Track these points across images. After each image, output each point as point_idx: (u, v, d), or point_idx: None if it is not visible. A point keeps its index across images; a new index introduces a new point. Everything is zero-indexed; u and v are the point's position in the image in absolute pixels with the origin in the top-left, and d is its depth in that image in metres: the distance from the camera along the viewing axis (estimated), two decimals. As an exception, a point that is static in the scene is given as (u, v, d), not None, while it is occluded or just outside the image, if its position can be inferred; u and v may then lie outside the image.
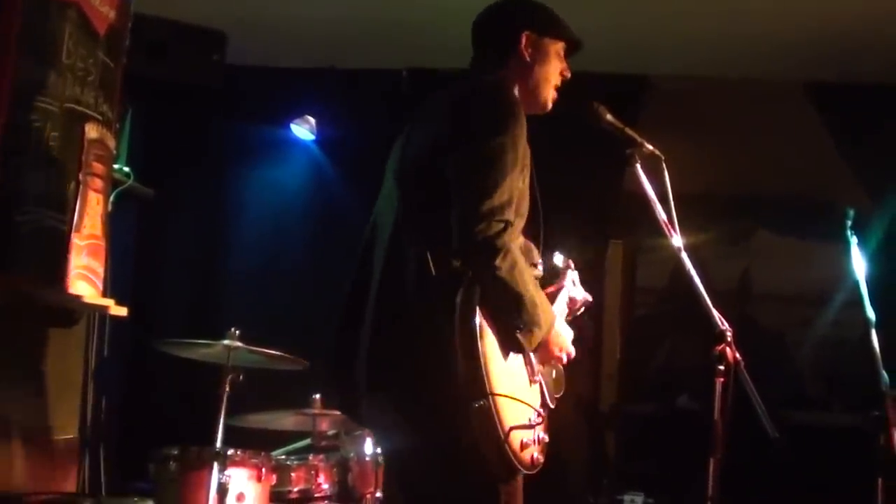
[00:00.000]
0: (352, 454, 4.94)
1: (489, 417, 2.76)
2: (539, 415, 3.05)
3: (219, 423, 4.71)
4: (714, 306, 3.21)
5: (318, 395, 4.99)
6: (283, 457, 5.02)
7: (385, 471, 4.80)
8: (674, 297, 7.74)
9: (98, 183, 4.53)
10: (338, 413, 4.98)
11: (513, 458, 2.83)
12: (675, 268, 3.39)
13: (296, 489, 4.86)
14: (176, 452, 4.65)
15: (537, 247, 3.36)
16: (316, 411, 5.00)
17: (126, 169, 5.33)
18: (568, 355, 3.19)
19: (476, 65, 3.39)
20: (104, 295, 4.67)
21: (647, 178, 3.41)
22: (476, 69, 3.37)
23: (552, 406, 3.20)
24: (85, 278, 4.41)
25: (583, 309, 3.61)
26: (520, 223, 3.07)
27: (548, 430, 3.11)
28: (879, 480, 3.99)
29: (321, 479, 4.89)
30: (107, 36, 4.51)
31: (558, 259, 3.56)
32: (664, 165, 3.42)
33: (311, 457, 4.96)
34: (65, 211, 4.24)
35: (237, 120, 7.15)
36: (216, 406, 4.78)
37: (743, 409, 3.17)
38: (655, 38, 6.42)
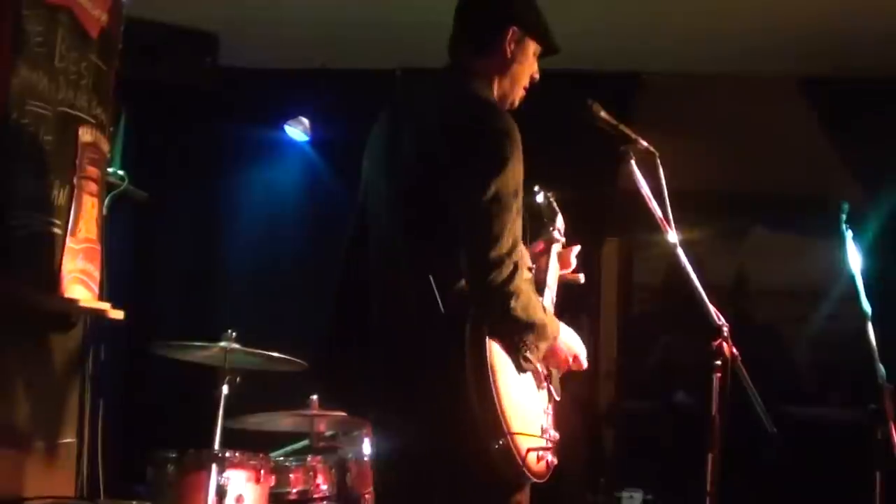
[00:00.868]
0: (350, 455, 4.95)
1: (510, 455, 2.81)
2: (548, 417, 3.10)
3: (216, 425, 4.70)
4: (710, 302, 3.21)
5: (315, 396, 4.99)
6: (282, 458, 5.02)
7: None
8: (670, 293, 7.73)
9: (92, 186, 4.52)
10: (336, 414, 4.98)
11: (532, 476, 2.91)
12: (671, 264, 3.39)
13: (294, 490, 4.86)
14: (174, 455, 4.64)
15: (526, 247, 3.35)
16: (314, 412, 5.00)
17: (121, 172, 5.32)
18: (576, 363, 3.22)
19: (455, 49, 3.33)
20: (100, 298, 4.66)
21: (642, 175, 3.41)
22: (455, 54, 3.32)
23: (558, 398, 3.21)
24: (81, 282, 4.41)
25: (575, 262, 3.65)
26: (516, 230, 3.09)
27: (557, 426, 3.14)
28: (877, 474, 3.99)
29: (319, 479, 4.89)
30: (99, 39, 4.51)
31: (540, 198, 3.55)
32: (659, 162, 3.42)
33: (309, 458, 4.96)
34: (59, 215, 4.23)
35: (231, 122, 7.14)
36: (214, 408, 4.77)
37: (740, 405, 3.17)
38: (649, 36, 6.43)
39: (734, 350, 3.16)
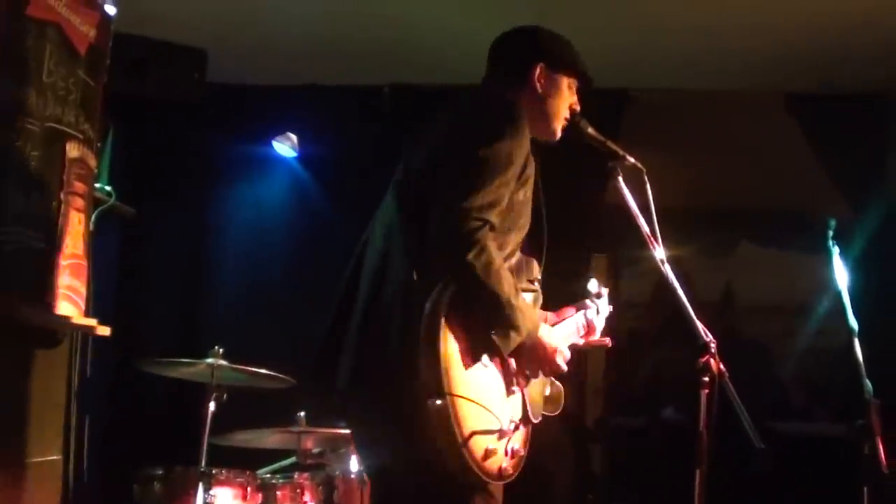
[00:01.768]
0: (337, 472, 4.94)
1: (445, 417, 2.73)
2: (515, 427, 3.01)
3: (203, 443, 4.70)
4: (698, 318, 3.22)
5: (302, 413, 4.98)
6: (269, 475, 5.01)
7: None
8: (658, 309, 7.75)
9: (80, 202, 4.51)
10: (323, 430, 4.97)
11: (473, 465, 2.79)
12: (659, 280, 3.40)
13: (282, 508, 4.85)
14: (160, 472, 4.63)
15: (539, 263, 3.35)
16: (301, 429, 4.99)
17: (108, 188, 5.31)
18: (564, 361, 3.13)
19: (488, 84, 3.40)
20: (87, 315, 4.64)
21: (630, 192, 3.42)
22: (487, 88, 3.39)
23: (535, 421, 3.15)
24: (67, 298, 4.39)
25: (598, 336, 3.62)
26: (517, 236, 3.08)
27: (527, 445, 3.08)
28: (864, 490, 3.99)
29: (307, 497, 4.87)
30: (87, 55, 4.50)
31: (593, 285, 3.56)
32: (646, 178, 3.43)
33: (296, 475, 4.95)
34: (46, 230, 4.22)
35: (219, 137, 7.14)
36: (201, 425, 4.77)
37: (728, 421, 3.17)
38: (637, 53, 6.45)
39: (722, 366, 3.16)
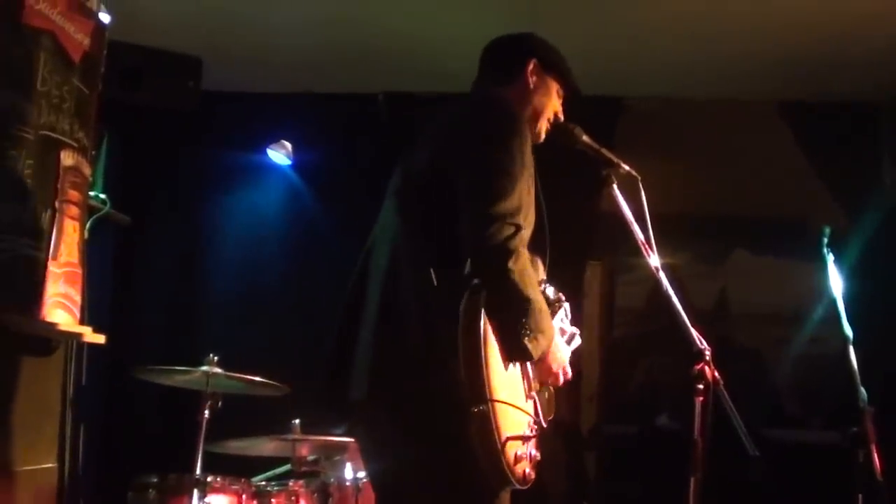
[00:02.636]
0: (332, 479, 4.93)
1: (487, 423, 2.74)
2: (533, 430, 3.03)
3: (198, 450, 4.69)
4: (692, 326, 3.22)
5: (297, 421, 4.97)
6: (264, 483, 5.00)
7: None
8: (652, 317, 7.74)
9: (74, 210, 4.51)
10: (318, 438, 4.96)
11: (507, 469, 2.80)
12: (654, 288, 3.40)
13: (276, 515, 4.84)
14: (155, 480, 4.63)
15: (543, 262, 3.35)
16: (296, 437, 4.98)
17: (102, 196, 5.31)
18: (565, 375, 3.19)
19: (480, 85, 3.44)
20: (82, 322, 4.64)
21: (624, 199, 3.42)
22: (480, 89, 3.42)
23: (544, 426, 3.18)
24: (62, 306, 4.39)
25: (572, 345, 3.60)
26: (527, 233, 3.08)
27: (539, 449, 3.09)
28: (859, 497, 3.99)
29: (302, 504, 4.86)
30: (82, 63, 4.50)
31: (549, 291, 3.56)
32: (641, 186, 3.44)
33: (291, 483, 4.94)
34: (41, 239, 4.21)
35: (213, 145, 7.15)
36: (195, 432, 4.76)
37: (722, 428, 3.18)
38: (630, 61, 6.46)
39: (716, 373, 3.17)
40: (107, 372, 6.27)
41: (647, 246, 3.35)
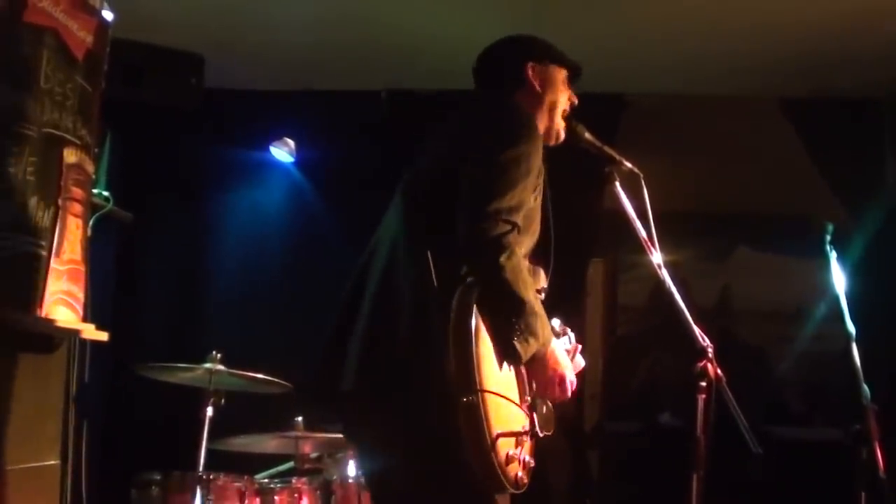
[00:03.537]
0: (335, 477, 4.93)
1: (476, 414, 2.70)
2: (528, 434, 2.99)
3: (201, 447, 4.70)
4: (695, 323, 3.22)
5: (300, 418, 4.98)
6: (266, 480, 5.01)
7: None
8: (655, 314, 7.74)
9: (77, 207, 4.51)
10: (321, 435, 4.97)
11: (497, 468, 2.76)
12: (656, 285, 3.40)
13: (279, 512, 4.85)
14: (158, 477, 4.64)
15: (546, 272, 3.34)
16: (299, 434, 4.99)
17: (105, 193, 5.30)
18: (563, 391, 3.10)
19: (489, 91, 3.44)
20: (84, 320, 4.64)
21: (627, 196, 3.42)
22: (490, 94, 3.42)
23: (540, 435, 3.10)
24: (65, 303, 4.39)
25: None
26: (529, 241, 3.08)
27: (534, 455, 3.06)
28: (862, 495, 3.99)
29: (304, 502, 4.88)
30: (85, 60, 4.50)
31: (555, 323, 3.55)
32: (643, 183, 3.44)
33: (294, 480, 4.95)
34: (43, 236, 4.21)
35: (216, 143, 7.14)
36: (198, 430, 4.77)
37: (725, 425, 3.18)
38: (633, 58, 6.46)
39: (719, 371, 3.17)
40: (110, 369, 6.28)
41: (649, 243, 3.35)
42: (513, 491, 2.91)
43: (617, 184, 3.45)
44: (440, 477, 2.84)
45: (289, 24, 6.21)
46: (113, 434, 6.44)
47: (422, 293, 2.88)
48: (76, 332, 4.64)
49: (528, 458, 2.96)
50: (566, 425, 7.33)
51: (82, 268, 4.58)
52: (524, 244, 3.03)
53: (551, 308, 3.50)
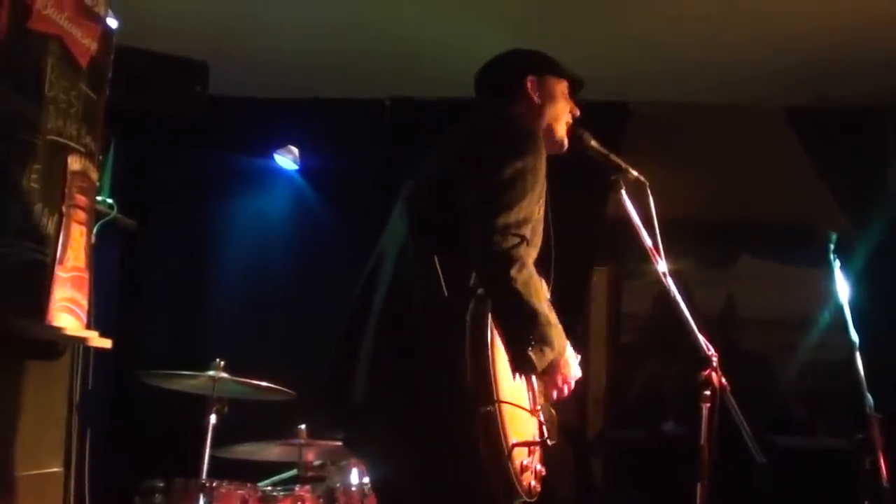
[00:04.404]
0: (338, 484, 4.93)
1: (494, 425, 2.72)
2: (539, 444, 3.01)
3: (204, 455, 4.70)
4: (699, 331, 3.22)
5: (303, 426, 4.98)
6: (270, 488, 5.01)
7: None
8: (659, 322, 7.75)
9: (81, 215, 4.51)
10: (324, 443, 4.97)
11: (514, 476, 2.78)
12: (660, 293, 3.40)
13: (283, 520, 4.84)
14: (161, 485, 4.64)
15: (548, 282, 3.34)
16: (302, 441, 4.98)
17: (109, 200, 5.31)
18: (569, 388, 3.16)
19: (492, 105, 3.45)
20: (88, 327, 4.64)
21: (632, 204, 3.42)
22: (493, 108, 3.42)
23: (550, 443, 3.11)
24: (69, 310, 4.39)
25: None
26: (534, 252, 3.08)
27: (544, 463, 3.08)
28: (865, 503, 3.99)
29: (308, 509, 4.87)
30: (89, 68, 4.50)
31: None
32: (649, 191, 3.44)
33: (297, 488, 4.94)
34: (48, 243, 4.22)
35: (220, 150, 7.15)
36: (202, 437, 4.77)
37: (729, 434, 3.17)
38: (638, 66, 6.46)
39: (723, 379, 3.16)
40: (113, 376, 6.27)
41: (654, 251, 3.35)
42: (526, 500, 2.92)
43: (622, 192, 3.45)
44: (456, 488, 2.85)
45: (293, 32, 6.21)
46: (116, 441, 6.44)
47: (432, 305, 2.89)
48: (83, 340, 4.65)
49: (539, 466, 2.99)
50: (570, 433, 7.34)
51: (86, 275, 4.59)
52: (531, 255, 3.03)
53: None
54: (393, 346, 2.96)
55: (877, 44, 5.96)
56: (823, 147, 6.93)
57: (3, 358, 4.14)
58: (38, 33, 4.11)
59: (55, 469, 4.67)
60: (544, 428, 3.10)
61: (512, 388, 2.86)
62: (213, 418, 4.81)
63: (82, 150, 4.47)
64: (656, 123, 6.92)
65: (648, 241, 3.35)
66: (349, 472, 4.94)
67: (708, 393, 3.12)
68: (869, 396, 4.03)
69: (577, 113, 3.46)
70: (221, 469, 4.87)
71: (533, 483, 2.93)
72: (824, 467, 6.53)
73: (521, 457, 2.82)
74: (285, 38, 6.30)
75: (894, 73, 6.28)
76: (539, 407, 3.09)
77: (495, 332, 2.81)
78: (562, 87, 3.44)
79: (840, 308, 4.18)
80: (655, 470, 6.90)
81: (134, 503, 4.73)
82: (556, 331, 2.95)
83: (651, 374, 8.07)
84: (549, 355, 2.93)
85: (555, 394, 3.15)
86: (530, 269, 2.89)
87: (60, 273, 4.30)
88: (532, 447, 2.93)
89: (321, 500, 4.89)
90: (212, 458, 4.77)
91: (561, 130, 3.41)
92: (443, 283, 2.88)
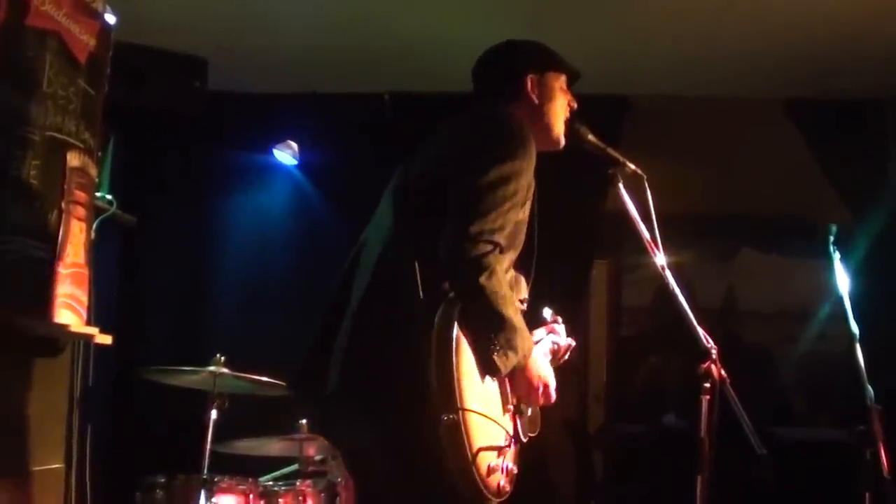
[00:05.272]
0: (339, 479, 4.93)
1: (458, 433, 2.73)
2: (509, 444, 3.00)
3: (205, 450, 4.70)
4: (699, 324, 3.22)
5: (304, 421, 4.98)
6: (271, 483, 5.01)
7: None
8: (659, 316, 7.74)
9: (80, 211, 4.51)
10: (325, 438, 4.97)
11: (479, 481, 2.78)
12: (660, 287, 3.40)
13: (284, 515, 4.85)
14: (163, 480, 4.64)
15: (527, 281, 3.34)
16: (303, 436, 4.99)
17: (108, 197, 5.31)
18: (546, 397, 3.14)
19: (486, 101, 3.42)
20: (88, 323, 4.64)
21: (630, 198, 3.42)
22: (488, 105, 3.40)
23: (524, 440, 3.15)
24: (69, 307, 4.39)
25: (567, 356, 3.55)
26: (513, 255, 3.08)
27: (518, 462, 3.06)
28: (866, 496, 3.99)
29: (309, 504, 4.87)
30: (88, 64, 4.50)
31: (547, 313, 3.55)
32: (647, 185, 3.44)
33: (298, 482, 4.95)
34: (47, 240, 4.22)
35: (219, 146, 7.15)
36: (203, 433, 4.77)
37: (729, 427, 3.18)
38: (636, 59, 6.46)
39: (723, 372, 3.17)
40: (114, 373, 6.27)
41: (653, 245, 3.36)
42: (496, 500, 2.91)
43: (620, 185, 3.45)
44: (423, 485, 2.87)
45: (292, 28, 6.21)
46: (117, 437, 6.45)
47: (407, 303, 2.89)
48: (86, 337, 4.65)
49: (510, 465, 2.97)
50: (570, 426, 7.35)
51: (86, 271, 4.59)
52: (508, 259, 3.04)
53: (556, 308, 3.52)
54: (367, 340, 2.97)
55: (877, 36, 5.97)
56: (823, 139, 6.94)
57: (4, 355, 4.14)
58: (37, 29, 4.11)
59: (56, 465, 4.67)
60: (520, 426, 3.12)
61: (479, 392, 2.86)
62: (213, 414, 4.81)
63: (81, 146, 4.47)
64: (655, 117, 6.92)
65: (647, 235, 3.35)
66: (350, 467, 4.94)
67: (708, 385, 3.13)
68: (869, 388, 4.04)
69: (575, 105, 3.44)
70: (222, 464, 4.87)
71: (503, 483, 2.91)
72: (825, 459, 6.53)
73: (487, 460, 2.82)
74: (284, 34, 6.30)
75: (894, 66, 6.28)
76: (514, 405, 3.09)
77: (462, 335, 2.82)
78: (560, 81, 3.42)
79: (840, 300, 4.18)
80: (656, 462, 6.91)
81: (135, 499, 4.74)
82: (521, 335, 2.94)
83: (651, 367, 8.07)
84: (513, 359, 2.92)
85: (533, 399, 3.14)
86: (500, 276, 2.87)
87: (60, 269, 4.30)
88: (502, 449, 2.92)
89: (322, 495, 4.89)
90: (213, 453, 4.77)
91: (558, 128, 3.39)
92: (419, 285, 2.88)
